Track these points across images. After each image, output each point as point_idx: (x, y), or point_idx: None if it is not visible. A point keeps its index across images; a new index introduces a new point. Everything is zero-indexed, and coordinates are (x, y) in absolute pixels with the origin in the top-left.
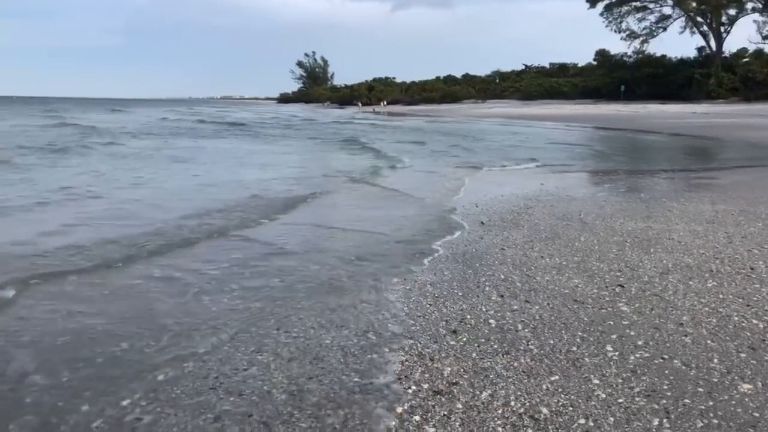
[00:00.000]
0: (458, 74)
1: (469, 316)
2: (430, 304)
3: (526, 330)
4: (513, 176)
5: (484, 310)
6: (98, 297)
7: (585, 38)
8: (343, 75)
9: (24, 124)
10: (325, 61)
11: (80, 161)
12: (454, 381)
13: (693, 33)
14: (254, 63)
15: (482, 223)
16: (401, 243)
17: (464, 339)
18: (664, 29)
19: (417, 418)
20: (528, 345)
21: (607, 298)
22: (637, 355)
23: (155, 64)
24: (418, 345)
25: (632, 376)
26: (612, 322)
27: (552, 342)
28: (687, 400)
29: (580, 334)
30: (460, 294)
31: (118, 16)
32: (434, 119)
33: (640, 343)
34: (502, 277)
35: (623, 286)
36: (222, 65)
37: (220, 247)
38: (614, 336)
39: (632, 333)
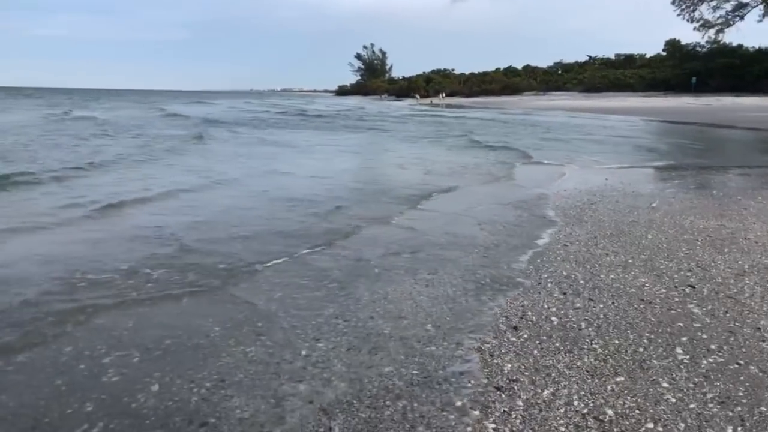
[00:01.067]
0: (519, 65)
1: (530, 313)
2: (489, 299)
3: (590, 329)
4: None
5: (545, 306)
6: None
7: (653, 28)
8: (401, 67)
9: (133, 115)
10: (383, 53)
11: (219, 148)
12: (514, 378)
13: None
14: (312, 56)
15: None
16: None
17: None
18: (741, 18)
19: (477, 413)
20: (592, 344)
21: (677, 299)
22: (710, 360)
23: (218, 56)
24: (478, 340)
25: (704, 381)
26: (682, 324)
27: (617, 342)
28: (763, 408)
29: (647, 335)
30: (521, 290)
31: (183, 10)
32: (503, 111)
33: (713, 347)
34: (565, 273)
35: (694, 287)
36: (281, 58)
37: (383, 232)
38: (684, 338)
39: (704, 336)
